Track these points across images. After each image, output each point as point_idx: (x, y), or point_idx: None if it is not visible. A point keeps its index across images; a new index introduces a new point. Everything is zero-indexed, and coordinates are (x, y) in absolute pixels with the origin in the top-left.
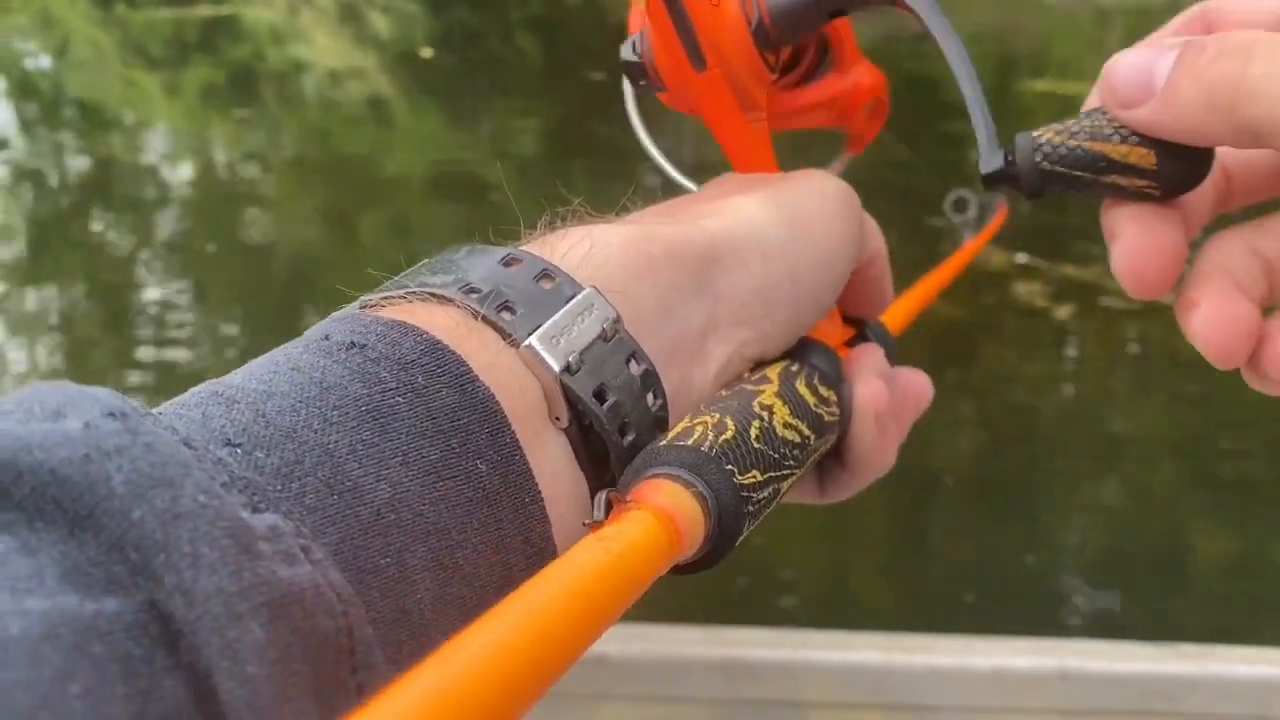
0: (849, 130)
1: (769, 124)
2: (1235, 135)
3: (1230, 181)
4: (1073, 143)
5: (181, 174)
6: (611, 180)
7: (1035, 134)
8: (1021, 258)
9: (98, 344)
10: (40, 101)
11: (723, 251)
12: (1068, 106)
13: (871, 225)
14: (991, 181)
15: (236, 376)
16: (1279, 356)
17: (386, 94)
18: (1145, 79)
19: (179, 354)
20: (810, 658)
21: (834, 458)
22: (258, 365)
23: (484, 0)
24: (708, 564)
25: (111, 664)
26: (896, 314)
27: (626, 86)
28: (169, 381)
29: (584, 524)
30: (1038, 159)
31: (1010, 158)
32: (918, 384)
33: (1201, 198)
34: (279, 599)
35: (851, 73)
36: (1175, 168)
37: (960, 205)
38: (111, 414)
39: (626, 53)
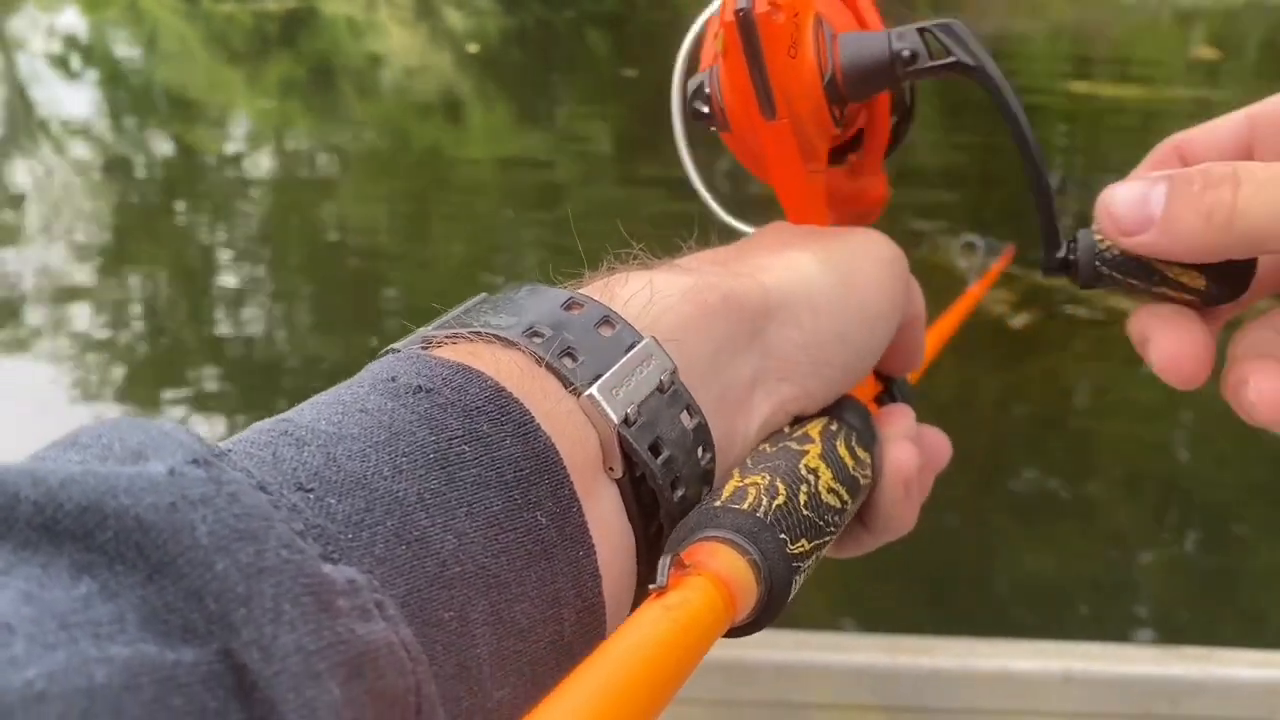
0: (841, 219)
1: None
2: (1238, 248)
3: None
4: (1131, 254)
5: (260, 164)
6: (675, 182)
7: (1097, 236)
8: (955, 253)
9: (177, 329)
10: (129, 92)
11: (776, 306)
12: (1148, 111)
13: (916, 288)
14: (1050, 271)
15: (305, 414)
16: None
17: (459, 88)
18: (1142, 209)
19: (254, 340)
20: (812, 659)
21: (856, 518)
22: (325, 405)
23: None
24: (753, 629)
25: (189, 715)
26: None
27: (677, 128)
28: (245, 368)
29: (649, 588)
30: (1097, 263)
31: (1072, 254)
32: (938, 444)
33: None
34: (355, 657)
35: (876, 177)
36: (1220, 289)
37: (968, 250)
38: (195, 461)
39: (694, 91)
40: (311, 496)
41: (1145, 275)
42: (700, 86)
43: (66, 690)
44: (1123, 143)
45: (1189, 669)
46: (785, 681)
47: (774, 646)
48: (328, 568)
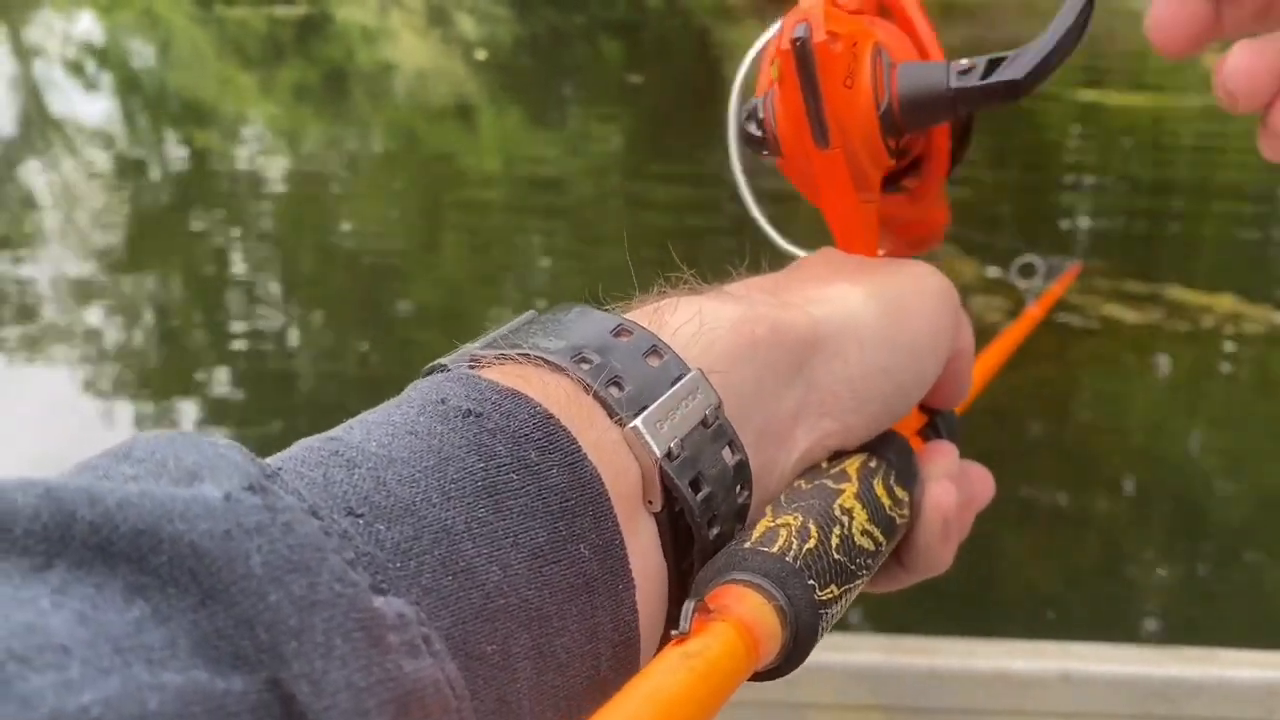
0: (897, 245)
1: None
2: None
3: (1271, 6)
4: None
5: (273, 168)
6: (691, 185)
7: None
8: (993, 271)
9: (190, 329)
10: (144, 97)
11: (824, 340)
12: (1159, 118)
13: (965, 322)
14: None
15: (354, 434)
16: None
17: (471, 94)
18: None
19: (267, 342)
20: (812, 658)
21: (892, 554)
22: (374, 425)
23: (570, 3)
24: (777, 675)
25: None
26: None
27: (734, 158)
28: (257, 371)
29: (671, 633)
30: None
31: None
32: (982, 481)
33: (1242, 4)
34: (403, 695)
35: (936, 204)
36: None
37: (1027, 271)
38: (251, 487)
39: (749, 118)
40: (361, 522)
41: None
42: (754, 111)
43: (121, 717)
44: (1132, 149)
45: (1188, 669)
46: (784, 681)
47: None
48: (379, 601)
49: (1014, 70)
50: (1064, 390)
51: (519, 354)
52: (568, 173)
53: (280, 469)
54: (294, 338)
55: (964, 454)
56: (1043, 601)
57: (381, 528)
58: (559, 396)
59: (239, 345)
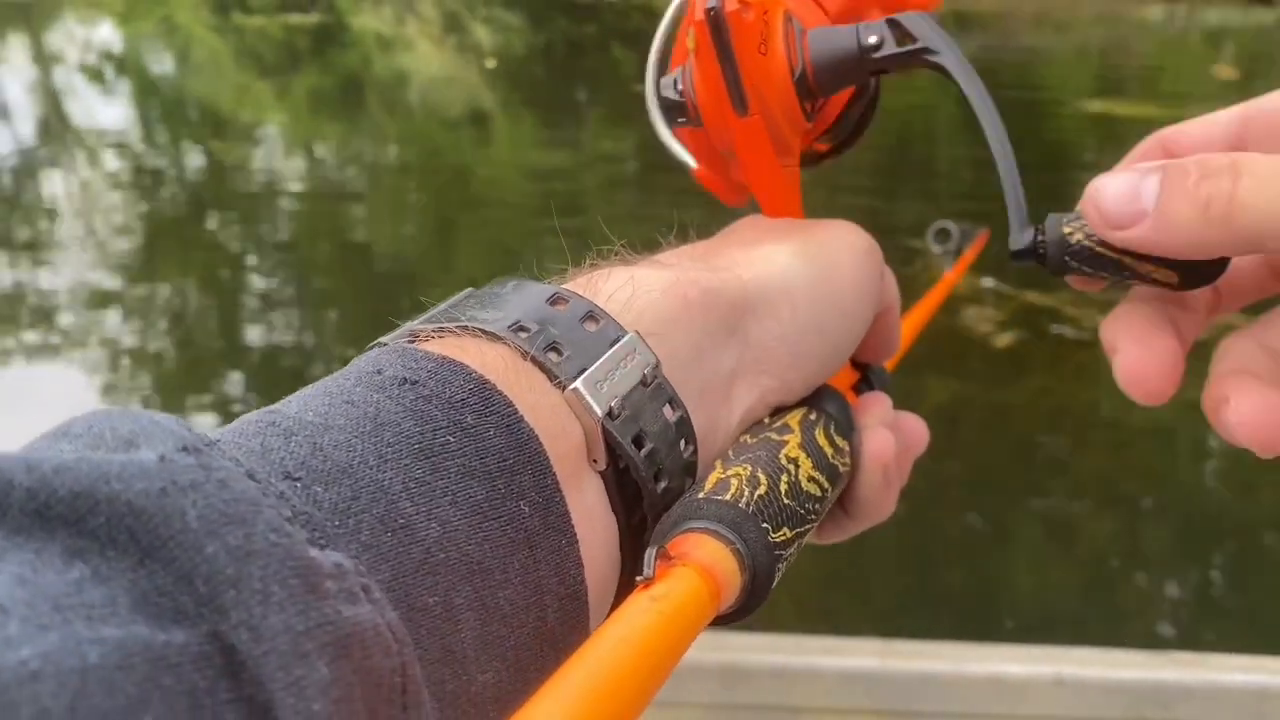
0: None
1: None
2: (1234, 245)
3: (1218, 292)
4: (1100, 249)
5: (289, 175)
6: (696, 193)
7: (1066, 229)
8: (988, 282)
9: (205, 336)
10: (162, 104)
11: (755, 300)
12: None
13: (890, 278)
14: (1019, 257)
15: (291, 406)
16: None
17: (486, 103)
18: (1133, 202)
19: (282, 348)
20: (806, 663)
21: (837, 504)
22: (311, 396)
23: (584, 13)
24: (739, 617)
25: (180, 695)
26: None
27: (654, 112)
28: (272, 373)
29: (636, 579)
30: (1066, 256)
31: (1040, 240)
32: (917, 430)
33: (1195, 308)
34: (343, 638)
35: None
36: (1191, 281)
37: (942, 236)
38: (185, 448)
39: (668, 89)
40: (299, 485)
41: (1115, 269)
42: (674, 84)
43: (60, 669)
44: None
45: (1180, 674)
46: (779, 685)
47: (768, 650)
48: (315, 552)
49: (926, 41)
50: (1057, 401)
51: (456, 327)
52: (580, 180)
53: (219, 440)
54: (308, 343)
55: (956, 456)
56: (1036, 615)
57: (319, 489)
58: (496, 364)
59: (253, 350)
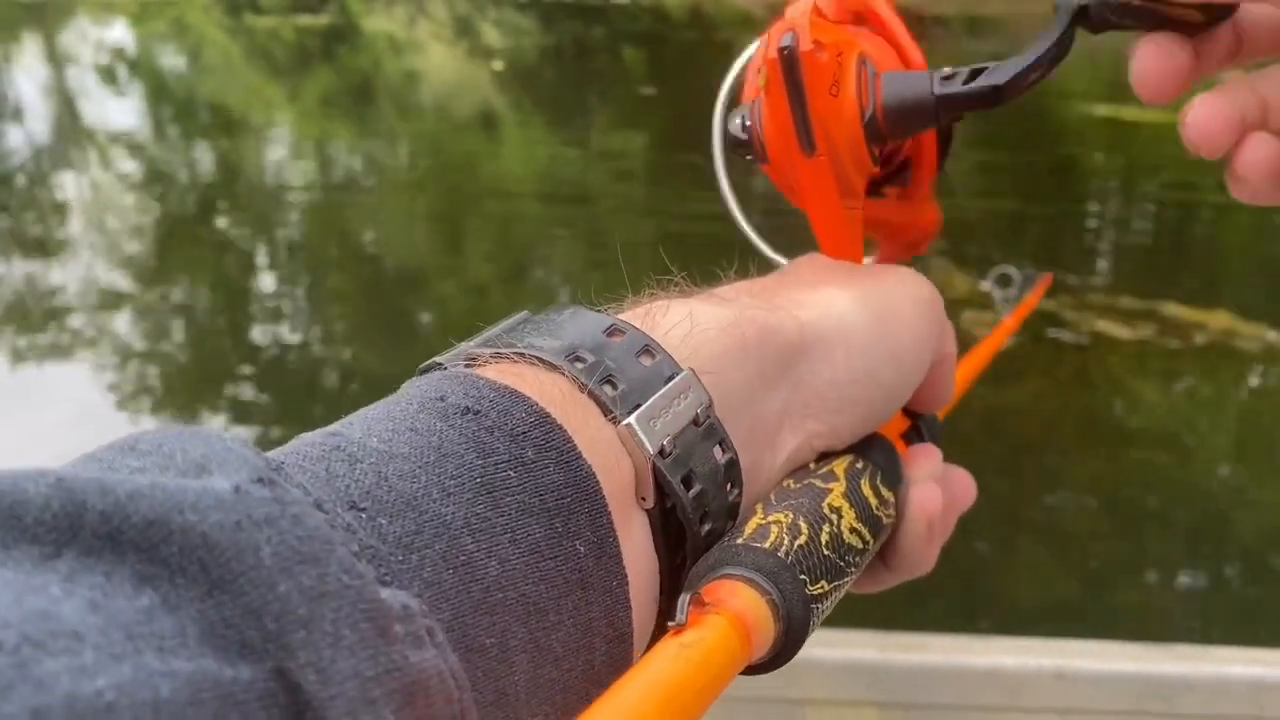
0: (893, 248)
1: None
2: None
3: (1240, 40)
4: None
5: (299, 176)
6: (706, 202)
7: None
8: (987, 285)
9: (216, 334)
10: (173, 104)
11: (810, 343)
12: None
13: (949, 329)
14: (1068, 22)
15: (355, 430)
16: (1254, 162)
17: (496, 104)
18: None
19: (290, 347)
20: (805, 654)
21: (877, 555)
22: (374, 420)
23: (594, 15)
24: (770, 668)
25: None
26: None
27: (717, 157)
28: (279, 372)
29: (667, 625)
30: (1107, 12)
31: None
32: (965, 485)
33: (1216, 46)
34: (409, 685)
35: (926, 206)
36: (1211, 18)
37: (1003, 281)
38: (260, 480)
39: (735, 126)
40: (364, 516)
41: (1148, 15)
42: (742, 120)
43: (134, 702)
44: (1152, 163)
45: (1180, 666)
46: (778, 676)
47: None
48: (385, 593)
49: (996, 76)
50: (1055, 404)
51: (514, 353)
52: (588, 180)
53: (283, 463)
54: (317, 342)
55: (952, 459)
56: (1035, 614)
57: (384, 521)
58: (554, 395)
59: (263, 349)
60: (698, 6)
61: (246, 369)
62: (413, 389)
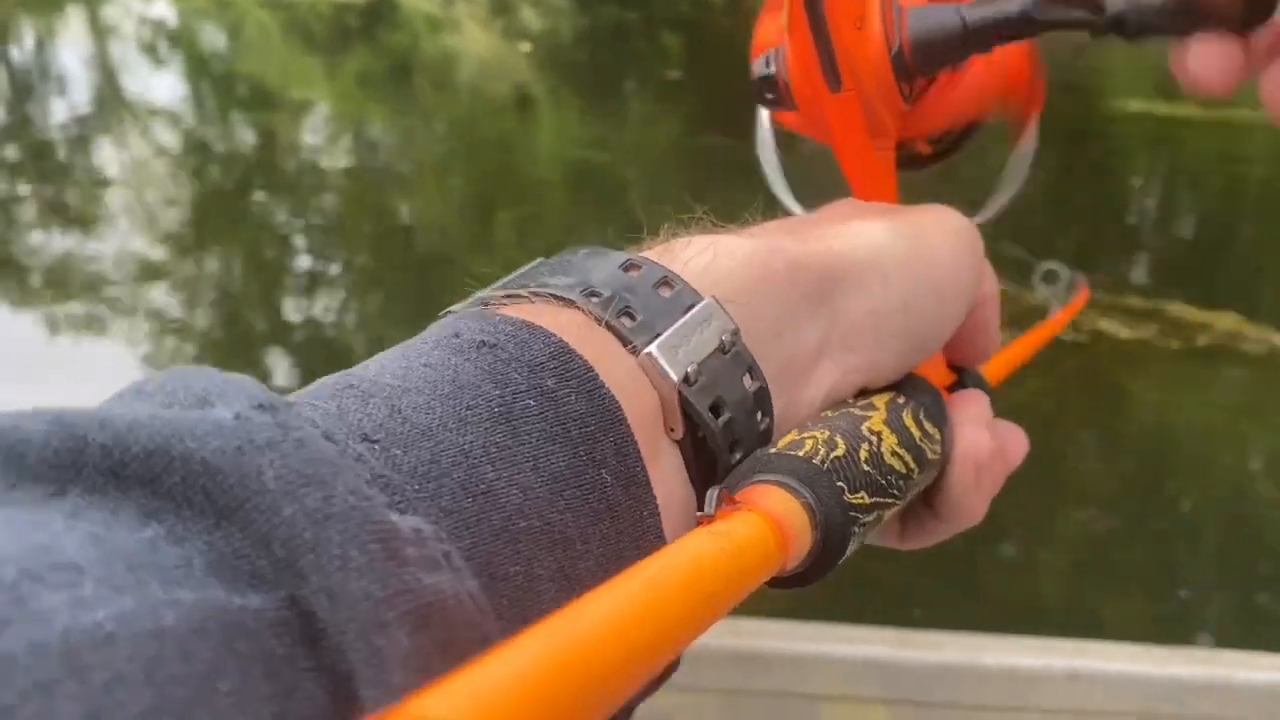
0: (1012, 112)
1: (922, 128)
2: None
3: None
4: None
5: (336, 154)
6: (740, 189)
7: None
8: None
9: (251, 309)
10: (212, 79)
11: (843, 272)
12: (1228, 135)
13: (988, 268)
14: (1101, 29)
15: (369, 369)
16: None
17: (532, 86)
18: None
19: (326, 325)
20: (821, 650)
21: (923, 503)
22: (388, 359)
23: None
24: (806, 580)
25: (256, 662)
26: (992, 370)
27: (761, 113)
28: (315, 350)
29: (695, 515)
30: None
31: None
32: (1016, 438)
33: (1257, 47)
34: (423, 607)
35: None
36: (1253, 14)
37: (1050, 277)
38: (261, 406)
39: (760, 67)
40: (377, 447)
41: (1186, 19)
42: (767, 63)
43: (136, 632)
44: (1191, 159)
45: (1195, 670)
46: (794, 672)
47: (785, 637)
48: (395, 516)
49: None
50: (1056, 403)
51: (529, 293)
52: (622, 164)
53: (295, 402)
54: (352, 320)
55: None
56: (1036, 612)
57: (398, 452)
58: (571, 328)
59: (297, 326)
60: None
61: (277, 342)
62: (428, 331)
